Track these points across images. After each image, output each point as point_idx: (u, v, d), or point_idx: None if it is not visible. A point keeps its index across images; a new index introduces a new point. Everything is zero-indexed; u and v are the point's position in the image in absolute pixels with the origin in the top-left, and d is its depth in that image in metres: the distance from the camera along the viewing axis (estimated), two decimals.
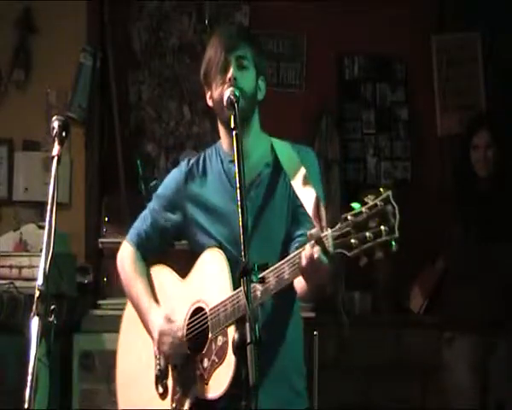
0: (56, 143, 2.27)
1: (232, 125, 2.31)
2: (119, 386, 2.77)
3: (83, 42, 5.26)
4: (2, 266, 4.53)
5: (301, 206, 2.48)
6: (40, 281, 2.06)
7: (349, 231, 2.08)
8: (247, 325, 2.02)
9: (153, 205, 2.74)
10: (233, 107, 2.35)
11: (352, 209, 2.09)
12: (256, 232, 2.50)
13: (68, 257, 4.70)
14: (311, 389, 4.50)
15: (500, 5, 5.33)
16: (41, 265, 2.08)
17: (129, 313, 2.76)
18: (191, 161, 2.70)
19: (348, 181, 5.58)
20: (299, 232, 2.53)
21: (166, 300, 2.64)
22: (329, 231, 2.14)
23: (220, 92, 2.48)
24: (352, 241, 2.07)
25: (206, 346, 2.43)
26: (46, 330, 2.04)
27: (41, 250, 2.11)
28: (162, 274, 2.71)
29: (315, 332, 4.46)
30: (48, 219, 2.14)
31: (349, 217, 2.09)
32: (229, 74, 2.47)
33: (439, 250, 4.68)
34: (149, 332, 2.61)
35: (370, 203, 2.06)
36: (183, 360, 2.51)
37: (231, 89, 2.41)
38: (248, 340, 2.01)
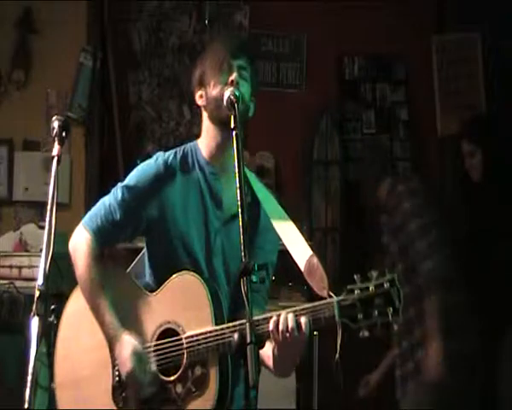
0: (56, 143, 2.27)
1: (232, 125, 2.27)
2: (61, 389, 2.58)
3: (83, 42, 5.26)
4: (2, 266, 4.53)
5: (262, 248, 2.48)
6: (40, 281, 2.06)
7: (355, 304, 2.19)
8: (247, 325, 2.02)
9: (122, 196, 2.51)
10: (233, 107, 2.32)
11: (354, 281, 2.20)
12: (225, 270, 2.48)
13: (68, 257, 4.68)
14: (311, 389, 4.52)
15: (500, 5, 5.33)
16: (41, 265, 2.08)
17: (75, 306, 2.59)
18: (170, 158, 2.53)
19: (348, 181, 5.58)
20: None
21: (130, 313, 2.49)
22: (335, 298, 2.21)
23: (219, 90, 2.43)
24: (358, 315, 2.17)
25: (180, 371, 2.38)
26: (46, 330, 2.04)
27: (41, 250, 2.11)
28: (126, 282, 2.56)
29: (315, 332, 4.45)
30: (48, 219, 2.14)
31: (356, 290, 2.18)
32: (233, 76, 2.44)
33: None
34: (112, 352, 2.45)
35: (375, 282, 2.17)
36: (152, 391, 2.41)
37: (231, 89, 2.37)
38: (248, 340, 2.01)
